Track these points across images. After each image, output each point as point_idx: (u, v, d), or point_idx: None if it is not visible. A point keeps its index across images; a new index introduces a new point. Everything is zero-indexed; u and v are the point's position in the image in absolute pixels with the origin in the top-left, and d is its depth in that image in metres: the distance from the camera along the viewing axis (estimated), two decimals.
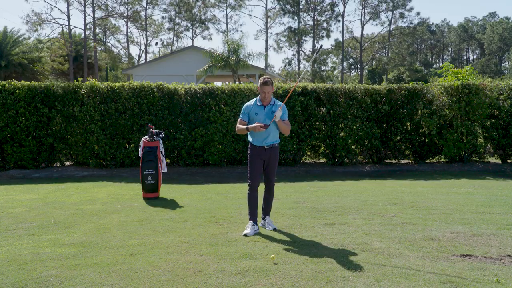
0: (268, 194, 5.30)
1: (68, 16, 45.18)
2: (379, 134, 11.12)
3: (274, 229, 5.17)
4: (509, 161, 11.54)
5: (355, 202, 6.77)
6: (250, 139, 5.21)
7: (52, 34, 56.88)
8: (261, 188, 5.26)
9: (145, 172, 7.21)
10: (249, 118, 5.13)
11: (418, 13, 73.71)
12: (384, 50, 64.33)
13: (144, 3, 54.73)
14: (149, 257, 4.20)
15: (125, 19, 53.63)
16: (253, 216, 5.13)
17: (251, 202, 5.15)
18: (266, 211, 5.36)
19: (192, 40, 58.22)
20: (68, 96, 10.60)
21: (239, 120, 5.20)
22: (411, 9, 54.85)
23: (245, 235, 4.94)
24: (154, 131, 7.56)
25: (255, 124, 4.92)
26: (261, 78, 5.08)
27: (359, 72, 59.67)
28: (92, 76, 42.41)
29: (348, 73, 79.34)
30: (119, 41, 59.75)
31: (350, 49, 70.99)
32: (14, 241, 4.82)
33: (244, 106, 5.18)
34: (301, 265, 3.94)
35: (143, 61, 53.44)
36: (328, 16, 54.01)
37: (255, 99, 5.19)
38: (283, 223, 5.46)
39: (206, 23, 57.15)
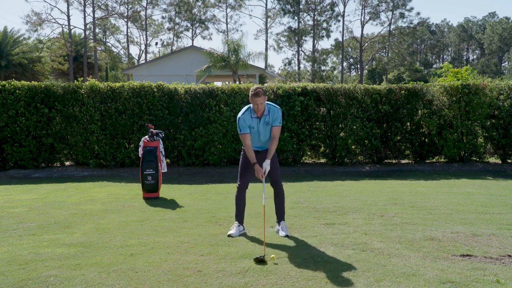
0: (278, 197, 5.06)
1: (68, 16, 45.25)
2: (379, 134, 11.11)
3: (287, 236, 4.86)
4: (509, 161, 11.53)
5: (355, 202, 6.77)
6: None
7: (52, 34, 56.89)
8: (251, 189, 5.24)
9: (145, 172, 7.21)
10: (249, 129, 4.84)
11: (418, 13, 73.89)
12: (384, 50, 64.34)
13: (144, 3, 54.78)
14: (149, 257, 4.20)
15: (125, 19, 53.66)
16: (239, 217, 5.03)
17: (238, 203, 5.04)
18: (280, 216, 5.08)
19: (192, 40, 58.29)
20: (68, 96, 10.59)
21: (243, 135, 4.79)
22: (411, 9, 54.89)
23: (230, 235, 4.87)
24: (154, 131, 7.56)
25: (257, 169, 4.72)
26: (251, 89, 4.70)
27: (359, 72, 59.68)
28: (92, 76, 42.33)
29: (348, 73, 79.38)
30: (119, 41, 59.72)
31: (350, 49, 71.01)
32: (14, 241, 4.82)
33: (239, 119, 4.79)
34: (301, 265, 3.94)
35: (143, 61, 53.44)
36: (328, 16, 54.04)
37: (247, 110, 4.83)
38: None
39: (206, 23, 57.20)
